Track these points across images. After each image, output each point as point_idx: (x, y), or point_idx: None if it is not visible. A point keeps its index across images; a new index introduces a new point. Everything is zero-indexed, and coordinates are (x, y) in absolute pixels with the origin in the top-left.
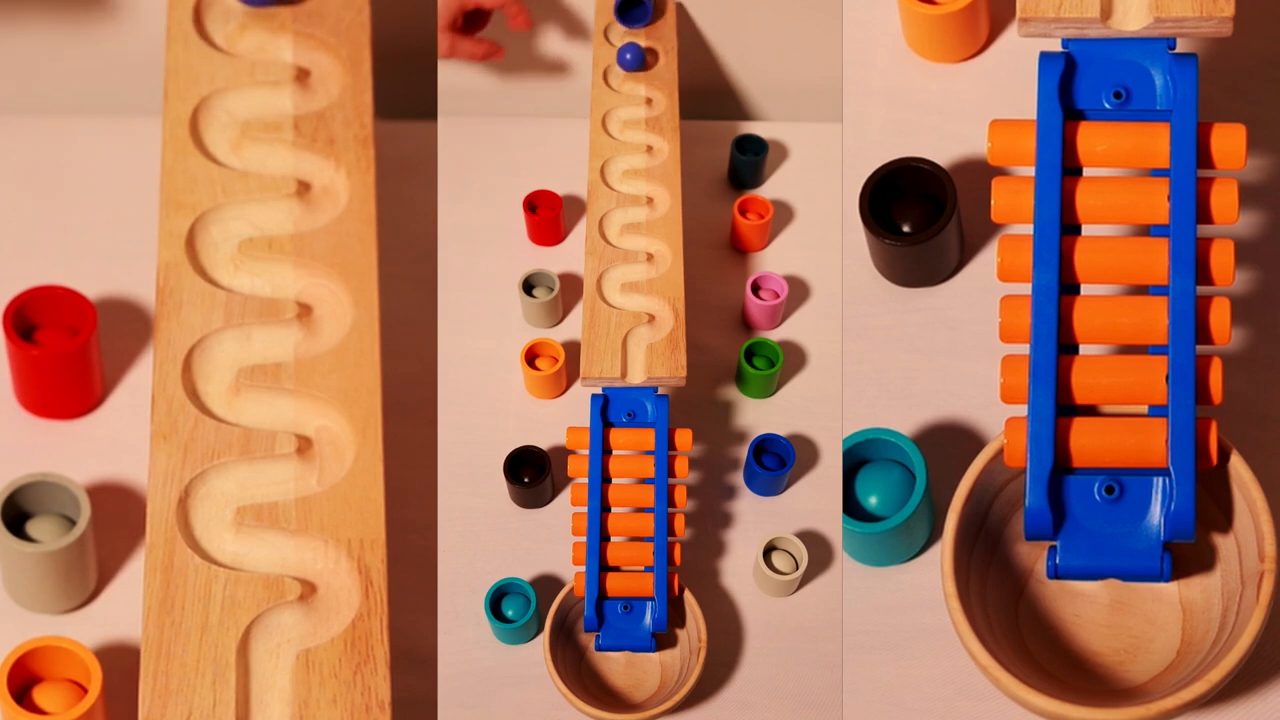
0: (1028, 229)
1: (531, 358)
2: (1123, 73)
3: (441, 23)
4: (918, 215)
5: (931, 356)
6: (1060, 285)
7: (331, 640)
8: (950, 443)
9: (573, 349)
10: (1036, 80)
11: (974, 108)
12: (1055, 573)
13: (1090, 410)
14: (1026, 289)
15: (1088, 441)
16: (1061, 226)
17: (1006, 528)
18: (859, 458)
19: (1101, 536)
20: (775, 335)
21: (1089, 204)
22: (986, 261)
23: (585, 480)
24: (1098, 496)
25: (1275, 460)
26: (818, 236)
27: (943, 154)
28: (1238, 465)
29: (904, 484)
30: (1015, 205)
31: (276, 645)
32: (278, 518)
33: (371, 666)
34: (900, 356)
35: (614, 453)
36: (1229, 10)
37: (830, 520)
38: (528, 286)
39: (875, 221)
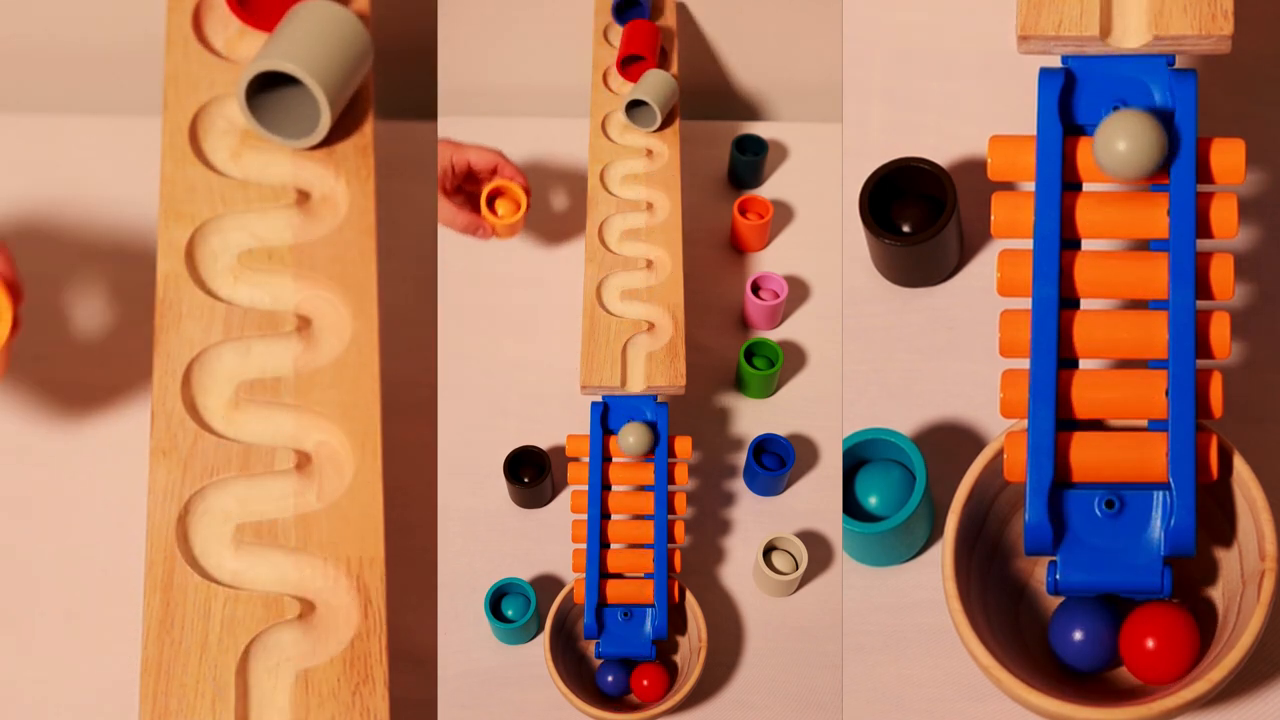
0: (1027, 244)
1: (492, 197)
2: (1122, 88)
3: (441, 186)
4: (918, 215)
5: (931, 356)
6: (1060, 300)
7: (330, 660)
8: (950, 443)
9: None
10: (1036, 90)
11: (974, 108)
12: (1055, 588)
13: (1090, 424)
14: (1026, 304)
15: (1087, 456)
16: (1061, 241)
17: (1007, 528)
18: (859, 458)
19: (1101, 551)
20: (775, 335)
21: (1089, 219)
22: (986, 261)
23: (585, 487)
24: (1098, 511)
25: (1275, 460)
26: (818, 236)
27: (943, 154)
28: (1238, 465)
29: (904, 484)
30: (1015, 220)
31: (275, 664)
32: (277, 535)
33: (370, 686)
34: (900, 356)
35: (614, 460)
36: (1228, 29)
37: (830, 520)
38: None
39: (875, 221)
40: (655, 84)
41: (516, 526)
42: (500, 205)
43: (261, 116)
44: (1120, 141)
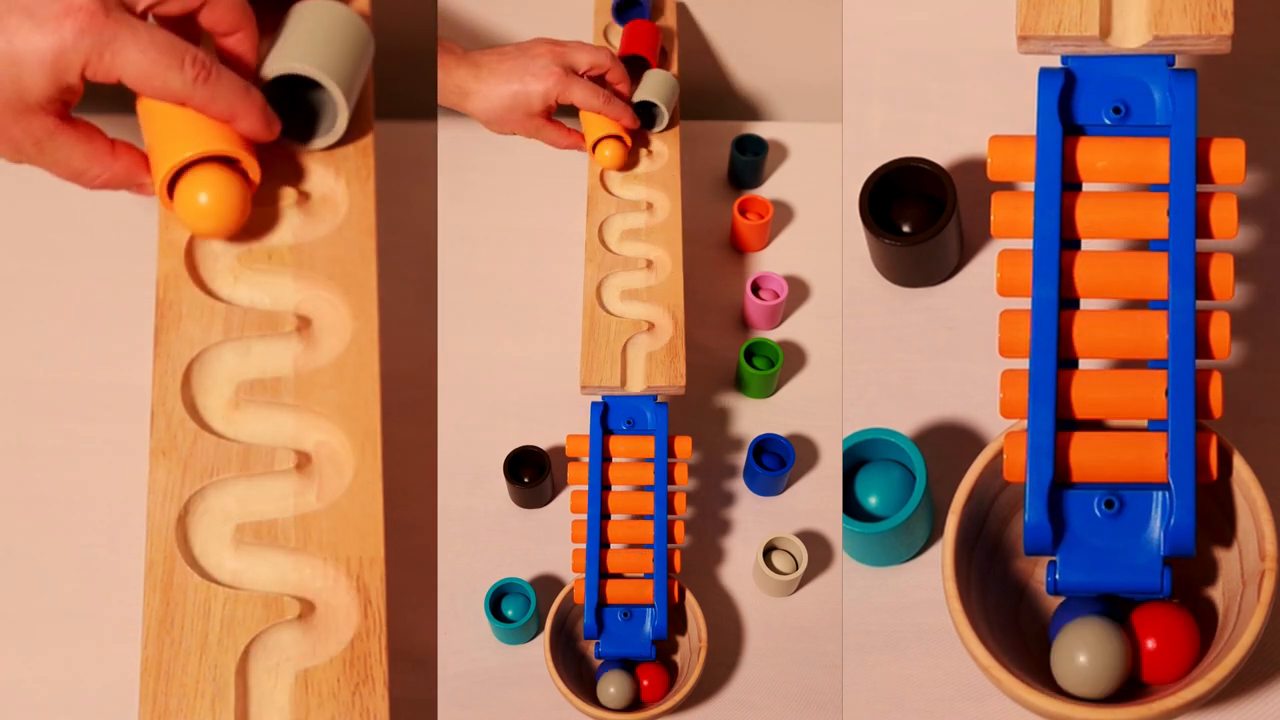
0: (1027, 244)
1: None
2: (1122, 88)
3: (534, 107)
4: (918, 215)
5: (931, 356)
6: (1060, 300)
7: (330, 660)
8: (950, 443)
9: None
10: (1036, 90)
11: (974, 108)
12: (1055, 588)
13: (1090, 424)
14: (1026, 304)
15: (1087, 456)
16: (1061, 241)
17: (1007, 528)
18: (859, 458)
19: (1101, 551)
20: (775, 335)
21: (1088, 219)
22: (986, 261)
23: (585, 487)
24: (1097, 511)
25: (1275, 460)
26: (818, 236)
27: (943, 154)
28: (1238, 465)
29: (904, 484)
30: (1015, 220)
31: (275, 664)
32: (277, 535)
33: (370, 687)
34: (900, 356)
35: (613, 460)
36: (1228, 29)
37: (830, 520)
38: None
39: (875, 221)
40: (660, 85)
41: (516, 526)
42: (608, 146)
43: None
44: (1080, 654)
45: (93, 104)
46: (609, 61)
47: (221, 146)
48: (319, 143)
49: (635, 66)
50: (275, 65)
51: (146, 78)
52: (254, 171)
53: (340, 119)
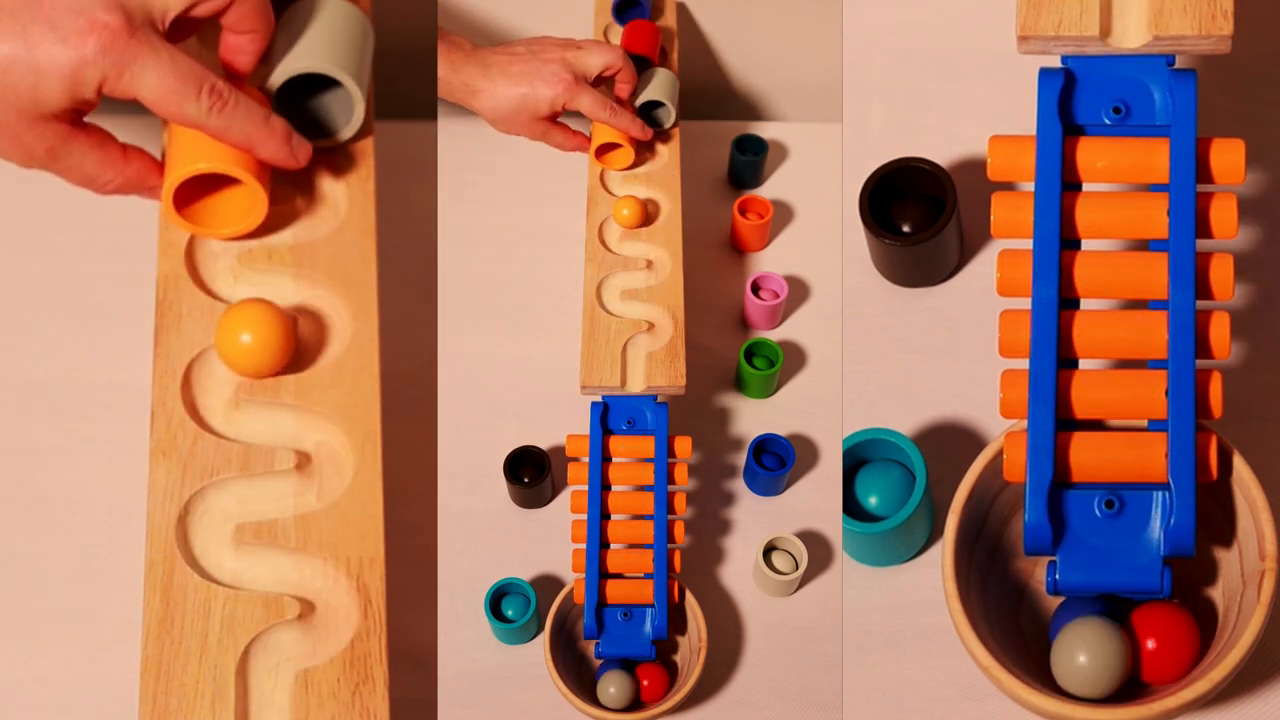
0: (1027, 244)
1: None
2: (1122, 88)
3: (541, 111)
4: (918, 215)
5: (931, 356)
6: (1060, 300)
7: (330, 660)
8: (950, 443)
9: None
10: (1036, 90)
11: (974, 108)
12: (1055, 588)
13: (1090, 424)
14: (1026, 304)
15: (1087, 456)
16: (1061, 241)
17: (1007, 528)
18: (859, 458)
19: (1101, 551)
20: (775, 335)
21: (1088, 219)
22: (986, 261)
23: (585, 487)
24: (1097, 511)
25: (1275, 460)
26: (818, 236)
27: (943, 154)
28: (1238, 465)
29: (904, 484)
30: (1015, 220)
31: (275, 664)
32: (277, 535)
33: (370, 687)
34: (900, 356)
35: (613, 460)
36: (1228, 29)
37: (830, 520)
38: None
39: (875, 221)
40: (668, 84)
41: (516, 526)
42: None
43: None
44: (1080, 654)
45: (106, 105)
46: (621, 62)
47: (226, 167)
48: (345, 133)
49: (638, 67)
50: (291, 66)
51: (162, 102)
52: (259, 196)
53: (357, 111)
